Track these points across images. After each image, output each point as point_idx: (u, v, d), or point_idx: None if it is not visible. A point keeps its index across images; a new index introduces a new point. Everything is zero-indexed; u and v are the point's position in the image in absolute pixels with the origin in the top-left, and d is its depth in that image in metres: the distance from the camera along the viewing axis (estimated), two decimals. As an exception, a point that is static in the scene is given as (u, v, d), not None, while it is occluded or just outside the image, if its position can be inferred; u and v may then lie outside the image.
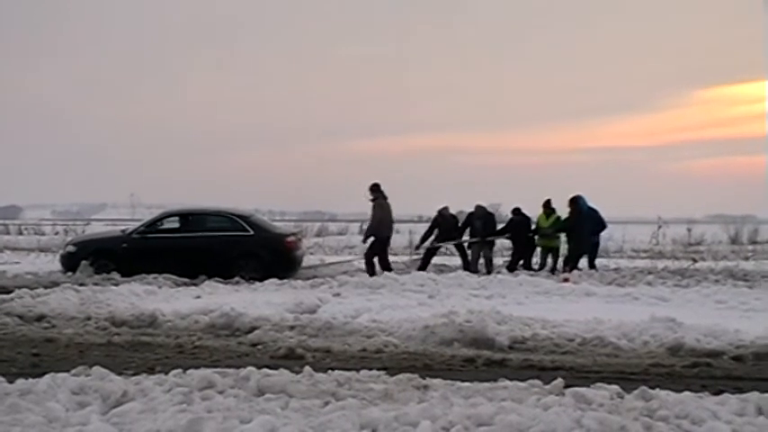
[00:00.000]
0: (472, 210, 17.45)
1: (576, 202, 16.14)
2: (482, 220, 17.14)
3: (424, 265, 17.13)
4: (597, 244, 16.81)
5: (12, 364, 7.35)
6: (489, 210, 17.93)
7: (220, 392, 5.35)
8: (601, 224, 16.41)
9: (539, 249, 17.44)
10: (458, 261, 17.63)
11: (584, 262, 16.30)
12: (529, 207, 17.64)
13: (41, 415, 4.81)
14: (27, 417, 4.75)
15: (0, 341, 8.62)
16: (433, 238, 17.73)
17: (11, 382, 5.45)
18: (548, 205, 17.24)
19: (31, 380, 5.47)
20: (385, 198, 16.30)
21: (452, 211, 18.07)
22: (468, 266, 16.91)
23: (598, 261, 17.01)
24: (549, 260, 17.03)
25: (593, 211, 16.26)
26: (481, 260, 17.08)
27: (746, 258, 22.28)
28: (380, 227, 16.15)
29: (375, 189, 16.26)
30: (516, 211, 17.48)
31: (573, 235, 16.23)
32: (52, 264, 18.30)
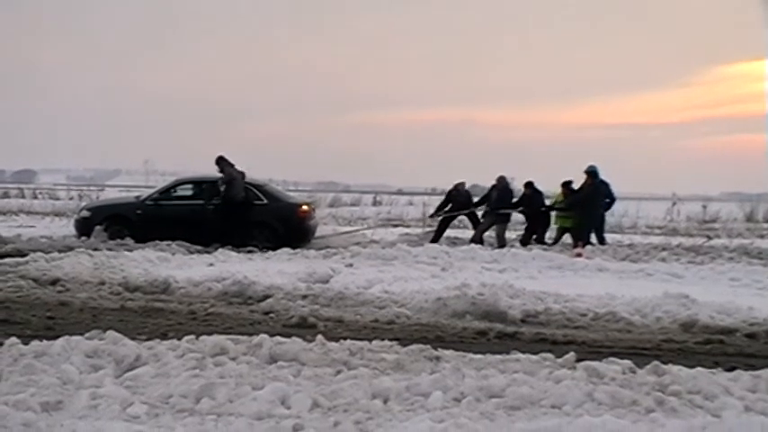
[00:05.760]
0: (494, 182, 17.29)
1: (592, 175, 15.96)
2: (498, 192, 17.00)
3: (436, 238, 17.13)
4: (604, 217, 16.61)
5: (26, 326, 7.42)
6: (510, 185, 17.77)
7: (233, 359, 5.37)
8: (611, 198, 16.28)
9: (554, 226, 17.32)
10: (471, 234, 17.57)
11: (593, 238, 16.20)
12: (546, 182, 17.52)
13: (56, 376, 4.85)
14: (42, 378, 4.80)
15: (15, 304, 8.67)
16: (446, 210, 17.72)
17: (26, 343, 5.49)
18: (567, 186, 17.04)
19: (45, 342, 5.51)
20: (231, 165, 15.95)
21: (468, 185, 18.04)
22: (473, 237, 16.87)
23: (611, 237, 16.89)
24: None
25: (605, 185, 16.14)
26: (492, 234, 17.02)
27: (761, 236, 22.15)
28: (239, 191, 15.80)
29: (219, 161, 15.97)
30: (528, 185, 17.35)
31: (585, 208, 16.03)
32: (66, 228, 18.37)
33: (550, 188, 17.66)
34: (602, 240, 16.14)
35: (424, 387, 4.81)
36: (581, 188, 16.26)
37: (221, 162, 15.91)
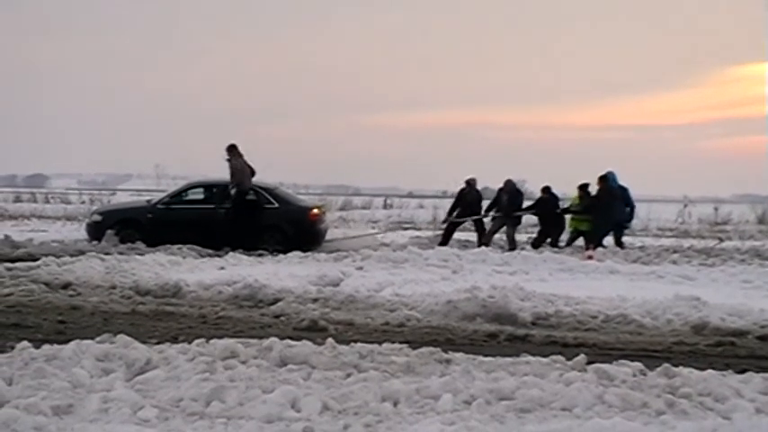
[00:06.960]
0: (502, 185, 17.34)
1: (605, 180, 15.99)
2: (509, 195, 17.02)
3: (445, 240, 17.11)
4: (623, 222, 16.58)
5: (38, 330, 7.45)
6: (519, 187, 17.79)
7: (243, 362, 5.38)
8: (630, 205, 16.28)
9: (569, 229, 17.28)
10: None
11: (610, 240, 16.18)
12: (558, 183, 17.49)
13: (66, 380, 4.87)
14: (53, 382, 4.82)
15: (26, 308, 8.70)
16: (456, 213, 17.68)
17: (37, 347, 5.51)
18: (584, 189, 17.00)
19: (56, 346, 5.54)
20: (240, 156, 15.95)
21: (479, 187, 18.01)
22: (482, 240, 16.87)
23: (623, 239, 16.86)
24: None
25: (623, 190, 16.14)
26: (503, 236, 17.01)
27: (773, 238, 22.01)
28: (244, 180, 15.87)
29: (231, 149, 15.97)
30: (545, 190, 17.37)
31: (600, 212, 16.02)
32: (78, 232, 18.42)
33: (563, 190, 17.64)
34: (620, 244, 16.14)
35: (434, 390, 4.81)
36: (596, 195, 16.27)
37: (232, 150, 15.91)
